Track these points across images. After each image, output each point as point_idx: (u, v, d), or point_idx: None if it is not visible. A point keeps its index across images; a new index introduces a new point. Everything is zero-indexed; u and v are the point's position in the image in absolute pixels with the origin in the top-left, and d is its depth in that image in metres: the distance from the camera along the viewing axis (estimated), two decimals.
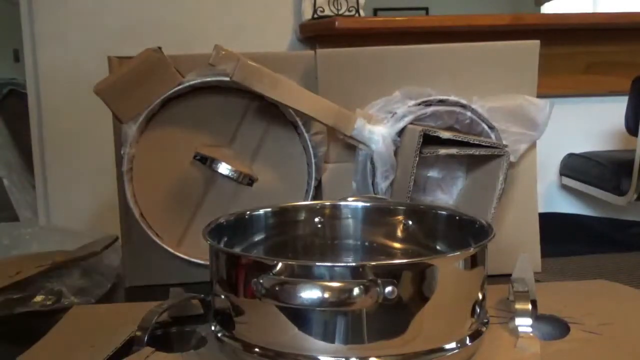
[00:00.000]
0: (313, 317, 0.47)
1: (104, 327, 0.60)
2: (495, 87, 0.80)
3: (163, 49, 0.75)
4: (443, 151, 0.73)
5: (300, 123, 0.77)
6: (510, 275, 0.63)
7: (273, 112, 0.79)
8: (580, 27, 2.09)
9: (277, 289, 0.45)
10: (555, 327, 0.61)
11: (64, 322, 0.64)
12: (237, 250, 0.61)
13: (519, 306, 0.58)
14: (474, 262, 0.52)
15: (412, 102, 0.77)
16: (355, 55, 0.81)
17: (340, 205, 0.69)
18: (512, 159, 0.77)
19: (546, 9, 3.16)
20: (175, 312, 0.63)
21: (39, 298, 0.71)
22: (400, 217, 0.67)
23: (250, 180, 0.79)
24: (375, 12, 4.47)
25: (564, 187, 2.28)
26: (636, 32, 2.13)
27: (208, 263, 0.55)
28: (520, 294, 0.59)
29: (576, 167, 2.15)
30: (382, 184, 0.76)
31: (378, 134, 0.76)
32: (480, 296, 0.53)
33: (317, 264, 0.49)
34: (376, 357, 0.47)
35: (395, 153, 0.76)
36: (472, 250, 0.52)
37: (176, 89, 0.75)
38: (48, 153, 1.91)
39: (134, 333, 0.56)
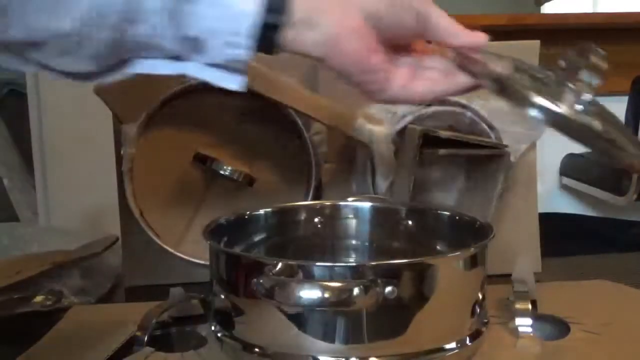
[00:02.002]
0: (313, 317, 0.47)
1: (104, 327, 0.60)
2: None
3: None
4: (443, 151, 0.73)
5: (300, 123, 0.77)
6: (510, 275, 0.63)
7: (273, 112, 0.79)
8: (580, 27, 2.09)
9: (277, 289, 0.45)
10: (555, 327, 0.61)
11: (64, 322, 0.64)
12: (237, 250, 0.61)
13: (519, 306, 0.58)
14: (474, 262, 0.52)
15: None
16: None
17: (340, 205, 0.69)
18: (512, 159, 0.77)
19: (546, 9, 3.16)
20: (175, 312, 0.63)
21: (39, 298, 0.71)
22: (400, 217, 0.67)
23: (250, 180, 0.79)
24: None
25: (564, 187, 2.27)
26: (636, 32, 2.12)
27: (208, 263, 0.55)
28: (520, 294, 0.59)
29: (576, 167, 2.15)
30: (382, 184, 0.76)
31: (378, 134, 0.76)
32: (480, 296, 0.53)
33: (317, 264, 0.49)
34: (376, 357, 0.47)
35: (395, 153, 0.76)
36: (472, 250, 0.52)
37: (176, 89, 0.74)
38: (48, 153, 1.91)
39: (134, 333, 0.56)
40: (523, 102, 0.40)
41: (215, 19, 0.39)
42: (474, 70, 0.44)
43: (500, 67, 0.43)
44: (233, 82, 0.43)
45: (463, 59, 0.44)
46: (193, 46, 0.40)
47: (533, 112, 0.40)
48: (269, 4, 0.39)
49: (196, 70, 0.43)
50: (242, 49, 0.40)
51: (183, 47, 0.41)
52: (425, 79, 0.45)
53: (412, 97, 0.45)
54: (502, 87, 0.41)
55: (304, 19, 0.40)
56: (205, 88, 0.77)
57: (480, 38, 0.45)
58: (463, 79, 0.45)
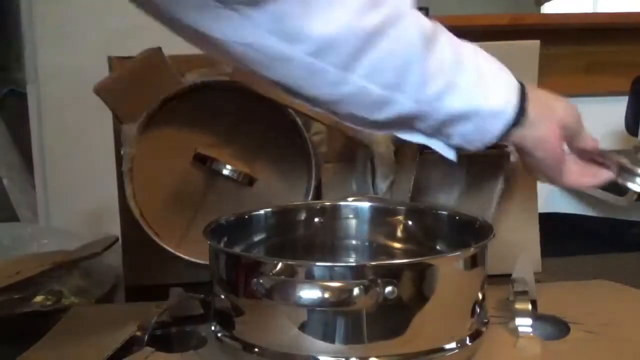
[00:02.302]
0: (313, 317, 0.47)
1: (104, 327, 0.60)
2: None
3: (163, 49, 0.74)
4: None
5: (300, 123, 0.77)
6: (510, 275, 0.63)
7: (273, 112, 0.79)
8: (580, 27, 2.09)
9: (277, 289, 0.45)
10: (555, 327, 0.61)
11: (64, 322, 0.64)
12: (237, 250, 0.61)
13: (519, 306, 0.58)
14: (474, 262, 0.52)
15: None
16: None
17: (340, 205, 0.69)
18: (512, 159, 0.76)
19: (546, 9, 3.16)
20: (175, 312, 0.63)
21: (39, 298, 0.71)
22: (400, 217, 0.67)
23: (250, 180, 0.79)
24: None
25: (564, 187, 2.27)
26: (636, 32, 2.12)
27: (208, 263, 0.55)
28: (520, 294, 0.59)
29: None
30: (382, 184, 0.76)
31: (378, 133, 0.76)
32: (480, 296, 0.53)
33: (317, 264, 0.49)
34: (376, 357, 0.47)
35: (395, 153, 0.76)
36: (472, 250, 0.52)
37: (176, 89, 0.74)
38: (48, 153, 1.91)
39: (134, 333, 0.56)
40: (632, 180, 0.59)
41: (473, 133, 0.54)
42: (606, 162, 0.61)
43: (617, 157, 0.60)
44: (453, 155, 0.58)
45: (595, 155, 0.61)
46: (444, 135, 0.55)
47: (635, 187, 0.58)
48: (517, 116, 0.53)
49: (433, 143, 0.57)
50: (481, 146, 0.55)
51: (436, 134, 0.55)
52: (573, 172, 0.60)
53: (569, 183, 0.60)
54: (622, 170, 0.59)
55: (530, 122, 0.54)
56: (205, 88, 0.77)
57: (598, 142, 0.61)
58: (604, 174, 0.61)
